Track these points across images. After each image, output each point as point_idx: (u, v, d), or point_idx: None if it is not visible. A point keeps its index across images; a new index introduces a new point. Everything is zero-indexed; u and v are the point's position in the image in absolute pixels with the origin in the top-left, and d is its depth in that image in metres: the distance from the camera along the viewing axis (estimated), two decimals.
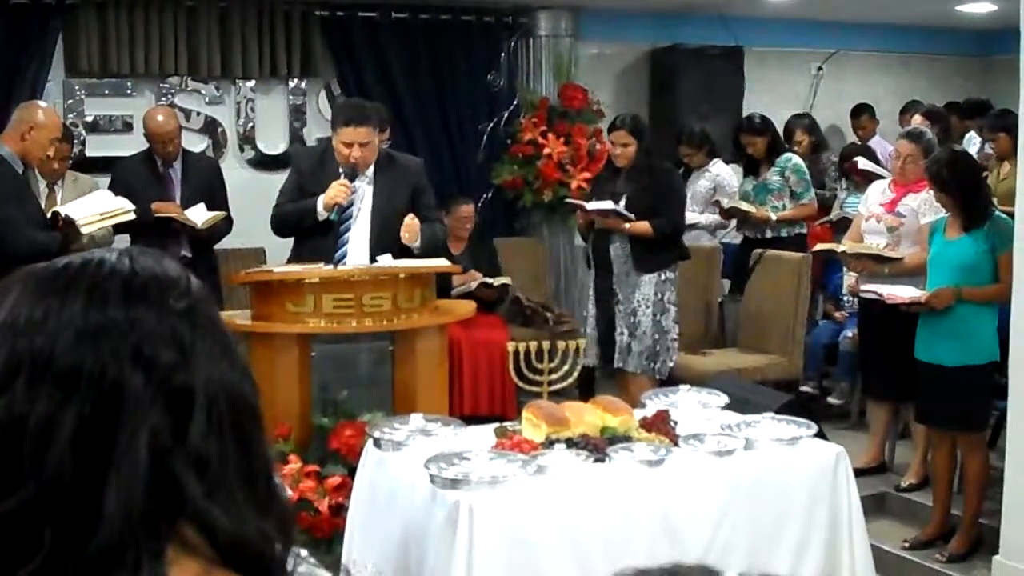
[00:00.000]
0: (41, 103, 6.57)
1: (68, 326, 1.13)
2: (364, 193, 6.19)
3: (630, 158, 7.12)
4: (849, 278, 7.21)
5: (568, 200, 8.30)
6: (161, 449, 1.10)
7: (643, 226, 6.98)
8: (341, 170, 6.10)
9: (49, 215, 6.32)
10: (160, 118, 7.29)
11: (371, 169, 6.20)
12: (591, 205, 7.14)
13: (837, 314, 8.15)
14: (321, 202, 6.05)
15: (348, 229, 6.14)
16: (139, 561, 1.08)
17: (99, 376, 1.11)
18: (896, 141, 6.84)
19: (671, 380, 6.68)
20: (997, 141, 7.78)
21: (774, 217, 8.25)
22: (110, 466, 1.08)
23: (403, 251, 6.08)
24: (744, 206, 8.26)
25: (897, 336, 6.01)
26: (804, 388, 7.80)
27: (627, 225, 6.99)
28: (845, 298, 7.84)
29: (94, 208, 6.09)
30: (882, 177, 7.34)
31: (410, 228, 6.05)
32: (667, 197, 7.17)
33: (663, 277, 7.10)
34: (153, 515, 1.09)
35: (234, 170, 8.53)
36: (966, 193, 5.70)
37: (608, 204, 7.00)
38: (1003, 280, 5.56)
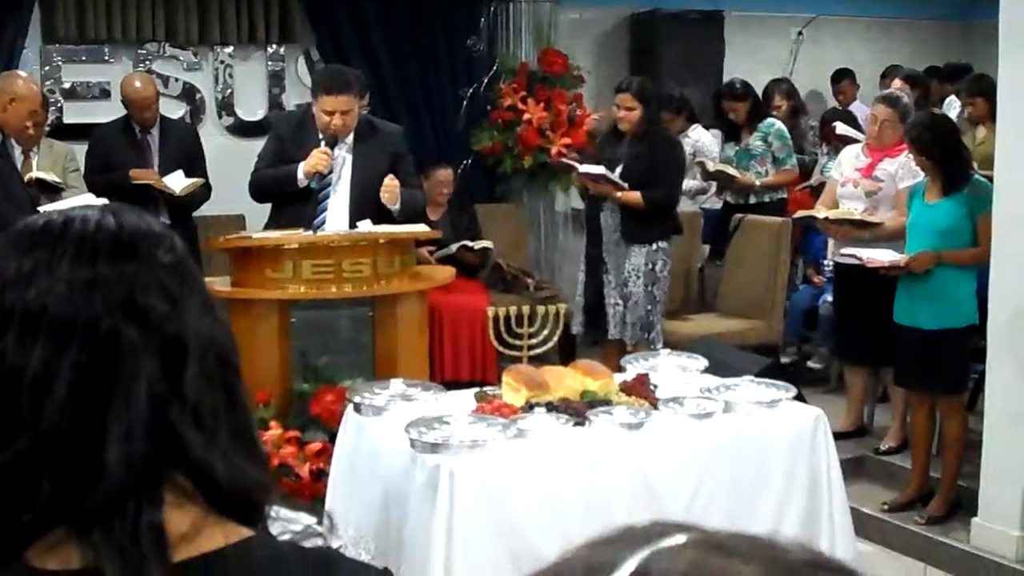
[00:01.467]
0: (21, 73, 6.53)
1: (60, 279, 1.14)
2: (344, 160, 6.17)
3: (633, 123, 6.93)
4: (832, 245, 7.21)
5: (563, 159, 8.27)
6: (158, 398, 1.13)
7: (634, 196, 6.84)
8: (321, 137, 6.08)
9: (25, 180, 6.30)
10: (137, 84, 7.27)
11: (351, 136, 6.18)
12: (583, 168, 7.07)
13: (816, 279, 8.16)
14: (301, 170, 6.03)
15: (328, 196, 6.12)
16: (139, 508, 1.09)
17: (94, 327, 1.13)
18: (872, 105, 6.83)
19: None
20: (974, 105, 7.79)
21: (759, 183, 8.25)
22: (108, 415, 1.10)
23: (383, 218, 6.06)
24: (730, 170, 8.26)
25: (873, 300, 6.03)
26: (785, 359, 7.82)
27: (619, 194, 6.89)
28: (826, 263, 7.84)
29: (71, 205, 6.02)
30: (859, 142, 7.34)
31: (390, 188, 6.03)
32: (664, 168, 6.97)
33: (655, 247, 6.96)
34: (153, 463, 1.11)
35: (212, 137, 8.49)
36: (946, 156, 5.71)
37: (600, 169, 6.91)
38: (982, 243, 5.58)
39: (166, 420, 1.12)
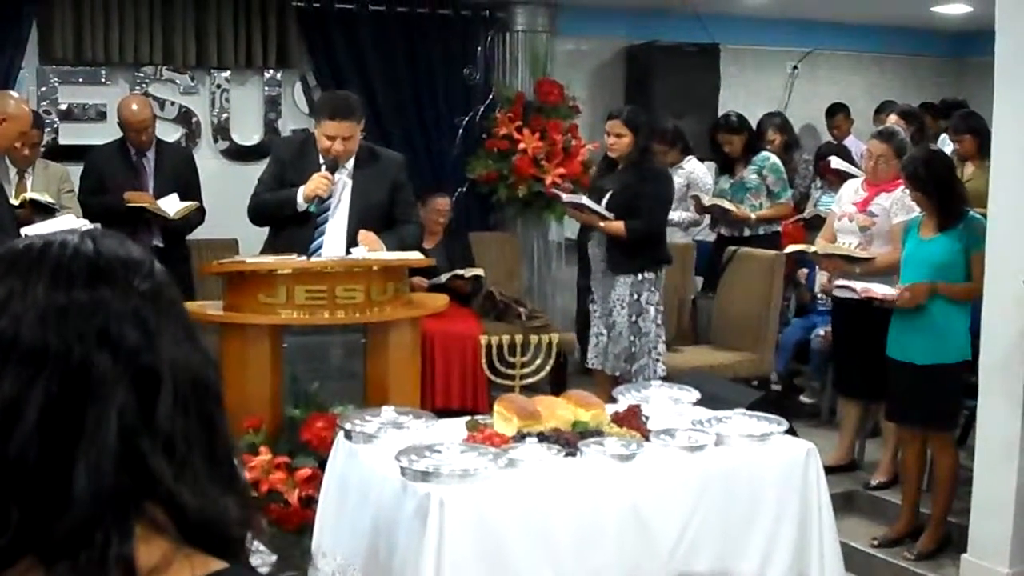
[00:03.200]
0: (12, 93, 6.51)
1: (33, 306, 1.13)
2: (344, 185, 6.16)
3: (623, 151, 6.92)
4: (822, 277, 7.22)
5: (551, 191, 8.31)
6: (129, 429, 1.11)
7: (616, 226, 6.83)
8: (322, 161, 6.07)
9: (18, 202, 6.29)
10: (134, 107, 7.28)
11: (351, 162, 6.17)
12: (566, 197, 7.08)
13: (805, 295, 8.18)
14: (301, 193, 6.02)
15: (326, 221, 6.12)
16: (107, 540, 1.08)
17: (65, 355, 1.11)
18: (868, 141, 6.85)
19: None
20: (962, 142, 7.81)
21: (754, 216, 8.27)
22: (78, 445, 1.09)
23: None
24: (725, 204, 8.27)
25: (869, 334, 6.03)
26: (776, 386, 7.82)
27: (601, 223, 6.90)
28: (820, 298, 7.84)
29: (55, 229, 5.99)
30: (855, 176, 7.35)
31: (367, 241, 5.98)
32: (649, 198, 6.94)
33: (640, 277, 6.91)
34: (122, 494, 1.10)
35: (208, 160, 8.50)
36: (942, 192, 5.72)
37: (580, 198, 6.92)
38: (975, 278, 5.59)
39: (137, 451, 1.11)
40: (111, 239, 1.22)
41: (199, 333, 1.24)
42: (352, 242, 6.01)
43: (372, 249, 5.96)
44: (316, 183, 5.99)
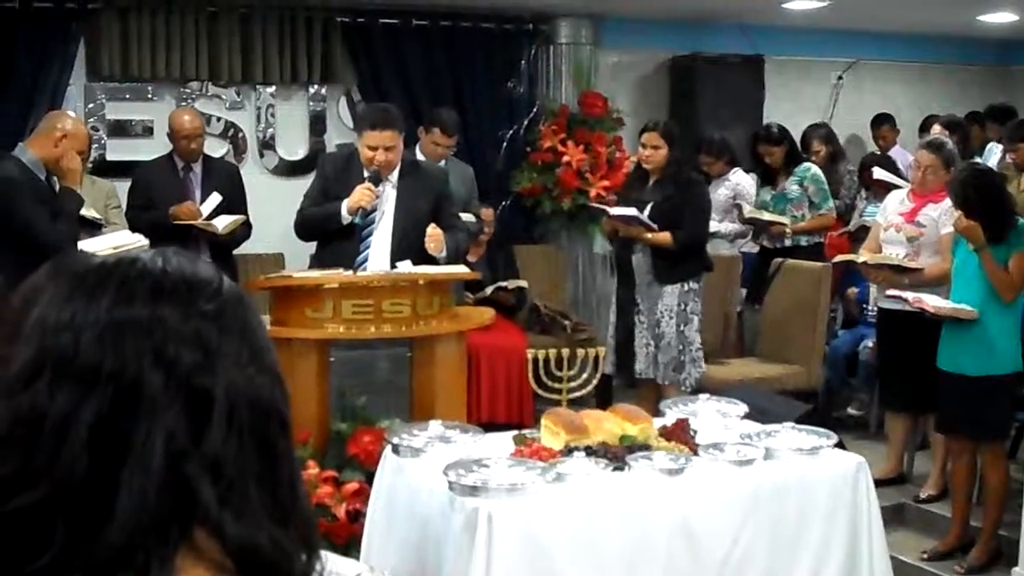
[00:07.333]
0: (70, 113, 6.59)
1: (93, 323, 1.12)
2: (388, 198, 6.19)
3: (659, 163, 7.00)
4: (874, 289, 7.17)
5: (592, 204, 8.30)
6: (176, 451, 1.09)
7: (664, 237, 6.89)
8: (365, 174, 6.10)
9: None
10: (186, 117, 7.36)
11: (395, 174, 6.20)
12: (614, 210, 7.07)
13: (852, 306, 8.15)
14: (345, 205, 6.05)
15: (371, 234, 6.14)
16: (147, 563, 1.07)
17: (118, 374, 1.10)
18: (916, 151, 6.80)
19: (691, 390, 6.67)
20: (1018, 151, 7.74)
21: (790, 228, 8.22)
22: (124, 466, 1.07)
23: (424, 258, 6.06)
24: (766, 216, 8.24)
25: (917, 347, 5.99)
26: (851, 411, 7.84)
27: (648, 235, 6.92)
28: (869, 308, 7.78)
29: (109, 243, 6.06)
30: (898, 187, 7.30)
31: (435, 238, 6.01)
32: (691, 208, 7.03)
33: (686, 287, 6.99)
34: (164, 518, 1.08)
35: (254, 175, 8.53)
36: (993, 211, 5.66)
37: (631, 211, 6.92)
38: (1014, 276, 5.57)
39: (182, 474, 1.09)
40: (181, 257, 1.20)
41: (268, 355, 1.21)
42: (397, 255, 6.03)
43: (437, 245, 6.01)
44: (360, 195, 6.01)
